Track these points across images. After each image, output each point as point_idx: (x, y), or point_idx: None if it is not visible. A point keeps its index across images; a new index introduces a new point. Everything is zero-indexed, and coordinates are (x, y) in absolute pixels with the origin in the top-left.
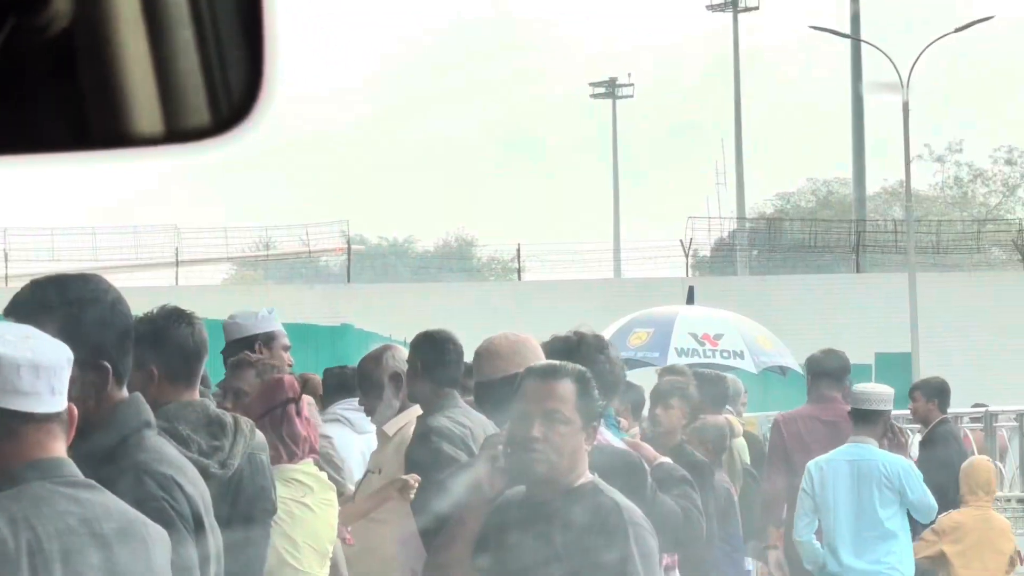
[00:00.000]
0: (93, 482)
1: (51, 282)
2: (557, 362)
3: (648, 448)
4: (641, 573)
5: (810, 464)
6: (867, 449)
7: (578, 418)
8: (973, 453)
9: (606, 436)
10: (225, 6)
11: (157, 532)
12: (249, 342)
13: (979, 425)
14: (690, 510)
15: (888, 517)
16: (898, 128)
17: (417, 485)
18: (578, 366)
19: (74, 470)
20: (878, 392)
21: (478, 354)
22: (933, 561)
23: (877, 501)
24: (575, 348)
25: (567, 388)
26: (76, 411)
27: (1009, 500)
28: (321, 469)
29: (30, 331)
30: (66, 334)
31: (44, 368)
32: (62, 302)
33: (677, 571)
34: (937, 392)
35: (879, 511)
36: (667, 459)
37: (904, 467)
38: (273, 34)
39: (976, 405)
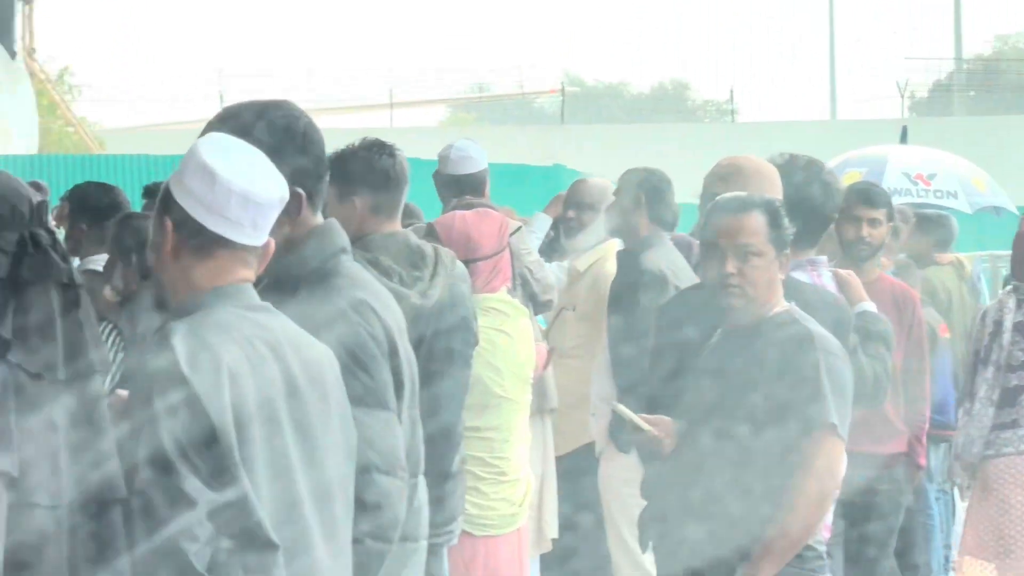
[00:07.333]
0: (269, 305)
1: (244, 108)
2: (744, 194)
3: (857, 287)
4: (831, 403)
5: None
6: None
7: (771, 249)
8: None
9: (822, 276)
10: None
11: (327, 352)
12: (482, 176)
13: None
14: (880, 376)
15: None
16: None
17: None
18: (765, 196)
19: (254, 295)
20: None
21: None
22: None
23: None
24: (794, 169)
25: (758, 220)
26: (273, 245)
27: None
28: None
29: (256, 160)
30: None
31: (255, 204)
32: (255, 128)
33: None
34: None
35: None
36: (871, 306)
37: None
38: None
39: None
